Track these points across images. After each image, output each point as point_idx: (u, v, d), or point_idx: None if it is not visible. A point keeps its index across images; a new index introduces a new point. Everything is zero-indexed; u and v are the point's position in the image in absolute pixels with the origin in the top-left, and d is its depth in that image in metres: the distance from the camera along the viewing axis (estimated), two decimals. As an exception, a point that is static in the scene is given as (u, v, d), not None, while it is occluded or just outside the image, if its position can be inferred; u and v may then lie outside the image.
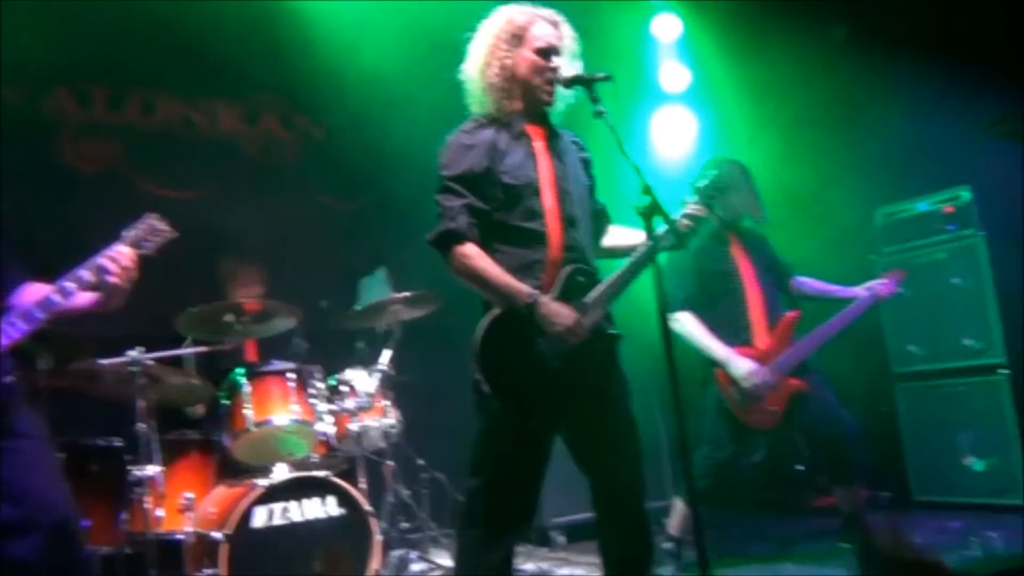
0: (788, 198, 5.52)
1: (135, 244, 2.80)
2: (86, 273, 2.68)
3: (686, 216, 2.87)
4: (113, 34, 4.99)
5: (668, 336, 2.48)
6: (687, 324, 3.99)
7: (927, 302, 5.20)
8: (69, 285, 2.67)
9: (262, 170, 5.90)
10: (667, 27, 6.43)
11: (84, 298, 2.78)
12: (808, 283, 4.32)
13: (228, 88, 5.77)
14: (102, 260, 2.70)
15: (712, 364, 3.97)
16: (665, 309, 2.53)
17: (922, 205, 5.41)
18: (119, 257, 2.71)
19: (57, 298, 2.66)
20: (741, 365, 3.90)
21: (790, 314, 4.06)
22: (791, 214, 5.50)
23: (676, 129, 6.58)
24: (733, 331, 4.02)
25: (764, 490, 5.68)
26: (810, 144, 5.84)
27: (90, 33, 4.91)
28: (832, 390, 4.09)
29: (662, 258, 2.86)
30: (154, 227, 2.88)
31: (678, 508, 4.04)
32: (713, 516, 4.92)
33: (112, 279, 2.68)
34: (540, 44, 2.86)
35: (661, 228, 2.71)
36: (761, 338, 4.02)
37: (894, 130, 5.52)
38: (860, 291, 4.20)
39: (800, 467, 5.50)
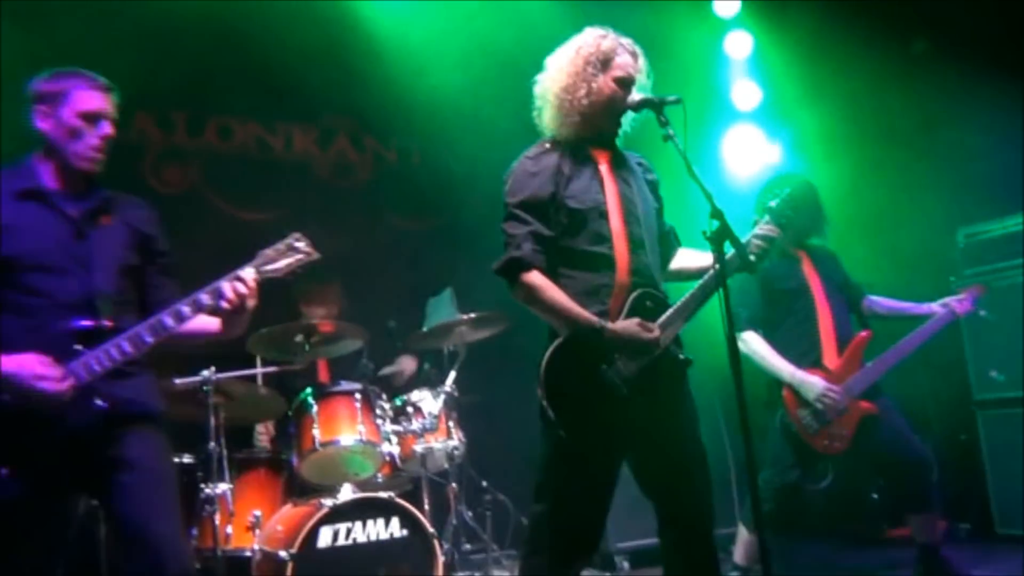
0: (865, 217, 5.41)
1: (266, 264, 2.67)
2: (204, 296, 2.59)
3: (757, 237, 2.83)
4: (193, 62, 5.17)
5: (736, 359, 2.44)
6: (753, 344, 3.91)
7: (1010, 326, 4.98)
8: (185, 308, 2.58)
9: (334, 192, 6.03)
10: (739, 45, 6.37)
11: (206, 323, 2.75)
12: (881, 302, 4.19)
13: (302, 112, 5.91)
14: (221, 283, 2.60)
15: (779, 385, 3.87)
16: (734, 332, 2.48)
17: (1005, 226, 5.20)
18: (237, 282, 2.60)
19: (170, 321, 2.57)
20: (813, 384, 3.80)
21: (861, 335, 3.94)
22: (868, 233, 5.39)
23: (748, 147, 6.50)
24: (801, 351, 3.91)
25: (836, 518, 5.55)
26: (888, 162, 5.72)
27: (171, 61, 5.11)
28: (903, 416, 3.95)
29: (736, 277, 2.83)
30: (292, 247, 2.73)
31: (742, 535, 3.96)
32: (782, 544, 4.83)
33: (225, 304, 2.58)
34: (621, 73, 2.85)
35: (730, 252, 2.66)
36: (830, 358, 3.91)
37: (976, 148, 5.34)
38: (936, 308, 4.06)
39: (875, 495, 5.34)
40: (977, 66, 5.15)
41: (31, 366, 2.42)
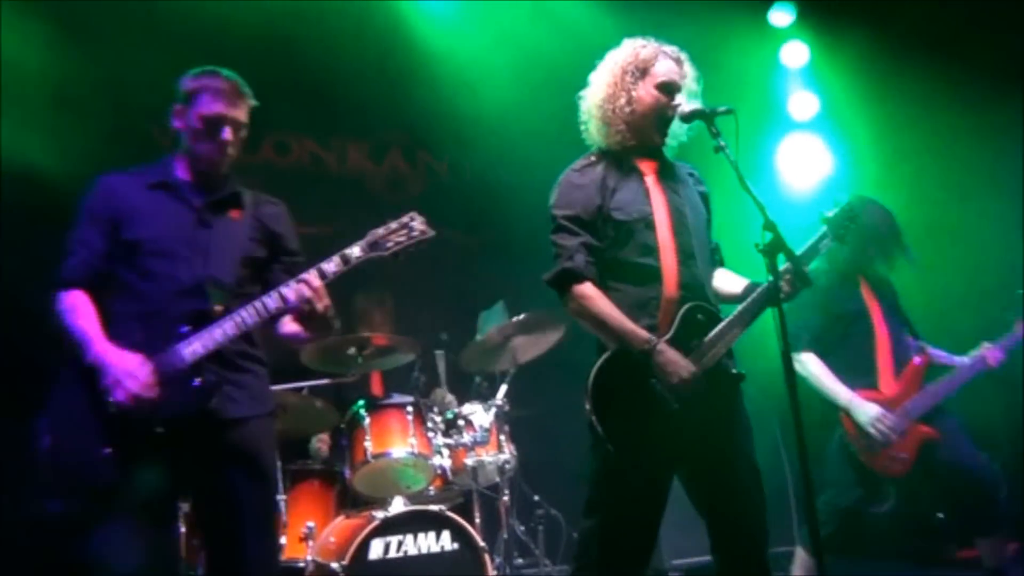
0: (927, 227, 5.27)
1: (375, 244, 2.66)
2: (288, 291, 2.58)
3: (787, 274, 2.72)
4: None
5: (792, 377, 2.39)
6: (811, 366, 3.85)
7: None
8: (269, 301, 2.59)
9: (387, 206, 6.05)
10: (795, 55, 6.29)
11: (289, 327, 2.79)
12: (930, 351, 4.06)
13: (355, 127, 5.98)
14: (286, 286, 2.59)
15: (835, 408, 3.81)
16: (789, 349, 2.42)
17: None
18: (301, 285, 2.56)
19: (272, 303, 2.58)
20: (866, 410, 3.73)
21: (920, 358, 3.86)
22: (931, 243, 5.24)
23: (805, 158, 6.41)
24: (857, 375, 3.85)
25: (903, 539, 5.38)
26: (949, 170, 5.57)
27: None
28: (968, 436, 3.85)
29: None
30: (406, 225, 2.71)
31: (800, 556, 3.86)
32: (844, 566, 4.70)
33: (292, 298, 2.56)
34: (663, 79, 2.83)
35: (784, 266, 2.61)
36: (887, 383, 3.84)
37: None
38: (966, 361, 3.94)
39: (941, 515, 5.15)
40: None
41: (129, 363, 2.46)
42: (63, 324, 2.58)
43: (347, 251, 2.65)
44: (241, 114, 2.72)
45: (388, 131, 6.15)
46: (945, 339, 4.10)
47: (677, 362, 2.62)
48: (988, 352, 3.92)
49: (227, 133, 2.68)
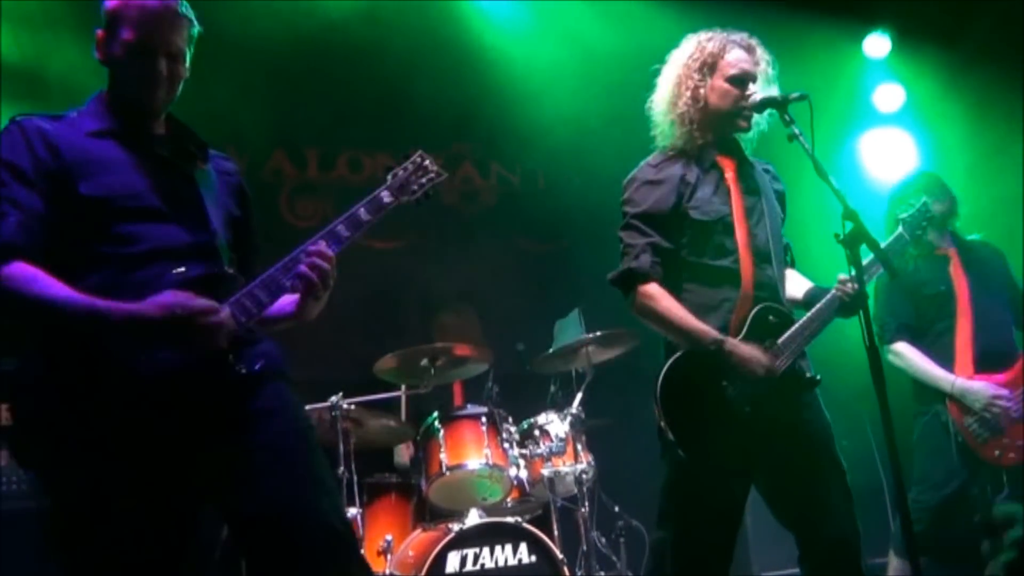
0: (1011, 222, 5.04)
1: (402, 190, 2.33)
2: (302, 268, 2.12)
3: (847, 287, 2.64)
4: (323, 99, 5.37)
5: (880, 371, 2.27)
6: (907, 355, 3.70)
7: None
8: (341, 231, 2.24)
9: (461, 217, 6.09)
10: (879, 46, 6.10)
11: (282, 304, 2.23)
12: None
13: (427, 140, 5.98)
14: (301, 264, 2.13)
15: (940, 396, 3.63)
16: (875, 342, 2.31)
17: None
18: (317, 259, 2.13)
19: (316, 257, 2.14)
20: (980, 391, 3.54)
21: None
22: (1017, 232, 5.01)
23: (890, 150, 6.21)
24: (947, 359, 3.68)
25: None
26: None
27: (303, 100, 5.33)
28: None
29: (870, 286, 2.66)
30: (421, 166, 2.40)
31: (892, 563, 3.68)
32: (941, 572, 4.47)
33: (303, 269, 2.11)
34: (734, 71, 2.75)
35: (868, 259, 2.53)
36: (963, 369, 3.63)
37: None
38: None
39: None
40: None
41: (185, 298, 1.96)
42: (19, 304, 1.95)
43: (377, 197, 2.30)
44: (179, 40, 2.18)
45: (460, 143, 6.18)
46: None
47: (753, 355, 2.54)
48: None
49: (161, 65, 2.15)
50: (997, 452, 3.54)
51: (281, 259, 2.14)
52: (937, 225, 3.66)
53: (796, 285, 2.85)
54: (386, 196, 2.32)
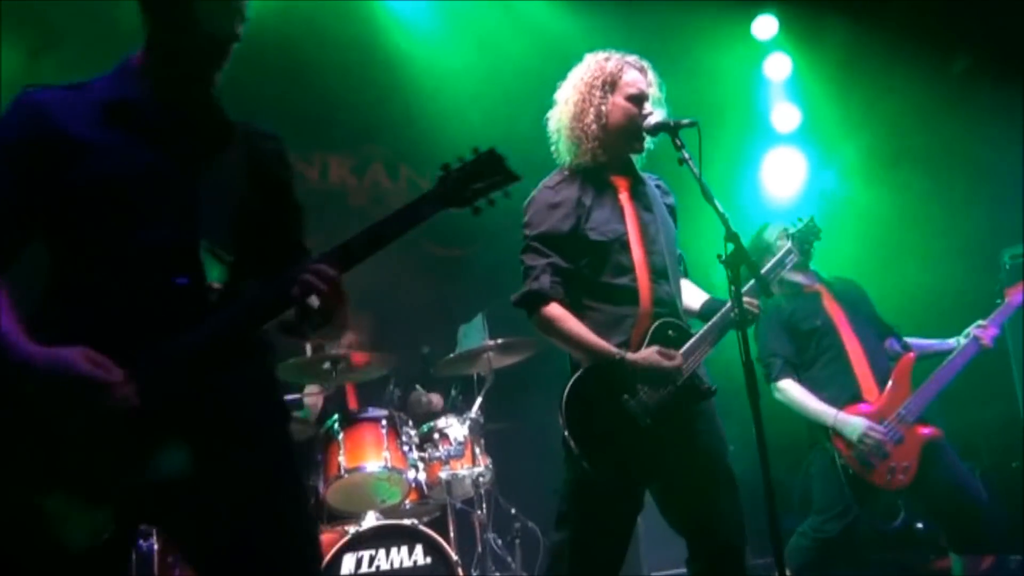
0: (908, 239, 5.29)
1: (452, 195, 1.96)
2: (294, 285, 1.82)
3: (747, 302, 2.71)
4: (226, 99, 5.25)
5: (754, 386, 2.38)
6: (791, 392, 3.78)
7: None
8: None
9: (369, 220, 6.02)
10: (778, 67, 6.32)
11: None
12: (910, 342, 3.96)
13: (337, 142, 5.99)
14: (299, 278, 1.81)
15: (824, 430, 3.71)
16: (750, 356, 2.41)
17: (1052, 246, 5.03)
18: (312, 277, 1.81)
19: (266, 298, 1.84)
20: (853, 425, 3.62)
21: (906, 356, 3.78)
22: (911, 255, 5.26)
23: (788, 170, 6.44)
24: (838, 389, 3.77)
25: (883, 547, 5.37)
26: (930, 183, 5.60)
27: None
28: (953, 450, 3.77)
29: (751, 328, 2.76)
30: (486, 163, 1.98)
31: None
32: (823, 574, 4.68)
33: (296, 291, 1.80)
34: (632, 90, 2.83)
35: (749, 284, 2.64)
36: (870, 391, 3.75)
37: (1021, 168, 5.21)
38: (959, 342, 3.86)
39: (920, 525, 5.15)
40: (1020, 84, 5.03)
41: (81, 360, 1.68)
42: None
43: (417, 204, 1.96)
44: None
45: (371, 146, 6.16)
46: (933, 332, 4.05)
47: (653, 360, 2.62)
48: (981, 331, 3.81)
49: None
50: (887, 477, 3.61)
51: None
52: (801, 267, 3.76)
53: (692, 296, 2.95)
54: (425, 208, 1.96)
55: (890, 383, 3.75)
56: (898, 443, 3.62)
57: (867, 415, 3.67)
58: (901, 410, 3.67)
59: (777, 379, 3.81)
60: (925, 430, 3.68)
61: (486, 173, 1.95)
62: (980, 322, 3.84)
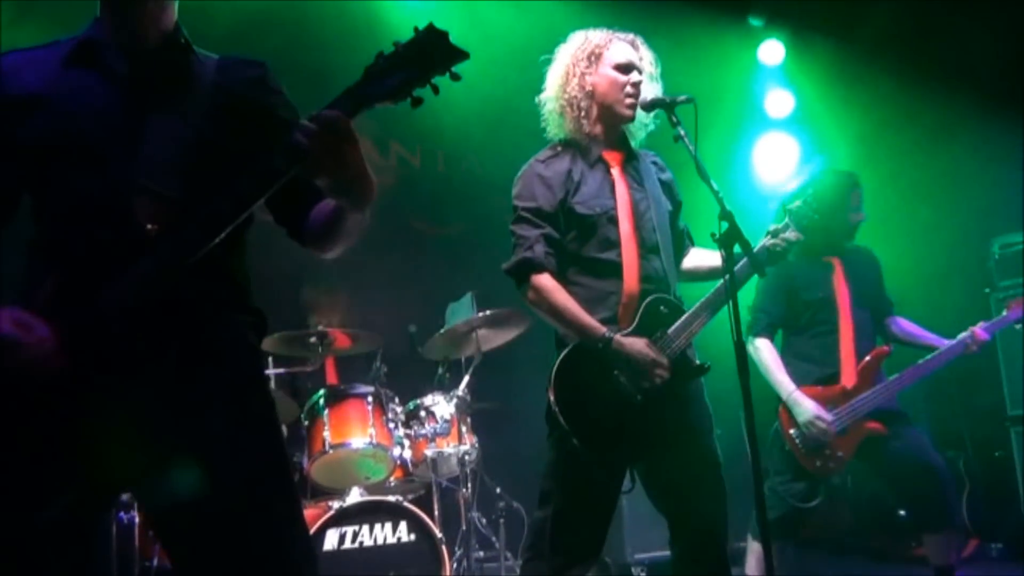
0: (898, 227, 5.29)
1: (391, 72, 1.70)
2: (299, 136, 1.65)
3: (774, 236, 2.77)
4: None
5: (745, 365, 2.37)
6: (763, 352, 3.77)
7: (1046, 340, 4.83)
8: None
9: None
10: (772, 53, 6.32)
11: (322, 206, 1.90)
12: (903, 325, 3.97)
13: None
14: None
15: (777, 399, 3.72)
16: (742, 338, 2.40)
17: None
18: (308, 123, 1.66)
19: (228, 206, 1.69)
20: (804, 409, 3.61)
21: (878, 349, 3.77)
22: (902, 244, 5.26)
23: (779, 155, 6.47)
24: (819, 362, 3.77)
25: (865, 534, 5.41)
26: (922, 172, 5.60)
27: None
28: (919, 431, 3.75)
29: (753, 280, 2.75)
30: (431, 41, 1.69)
31: (753, 548, 3.83)
32: (803, 560, 4.71)
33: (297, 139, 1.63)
34: (619, 60, 2.82)
35: (741, 261, 2.61)
36: (848, 375, 3.73)
37: (1014, 157, 5.21)
38: (950, 342, 3.79)
39: (903, 512, 5.18)
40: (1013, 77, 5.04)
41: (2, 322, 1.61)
42: None
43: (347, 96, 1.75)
44: None
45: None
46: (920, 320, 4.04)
47: (639, 351, 2.60)
48: (976, 330, 3.75)
49: None
50: (818, 463, 3.62)
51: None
52: (832, 234, 3.76)
53: (709, 257, 2.93)
54: (353, 101, 1.73)
55: (859, 372, 3.72)
56: (840, 434, 3.60)
57: (822, 400, 3.65)
58: (855, 402, 3.65)
59: (756, 335, 3.79)
60: (872, 425, 3.64)
61: (427, 54, 1.67)
62: (982, 323, 3.79)
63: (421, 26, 1.67)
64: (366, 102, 1.72)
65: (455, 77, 1.70)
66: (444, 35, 1.67)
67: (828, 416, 3.60)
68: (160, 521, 1.78)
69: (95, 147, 1.73)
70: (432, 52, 1.66)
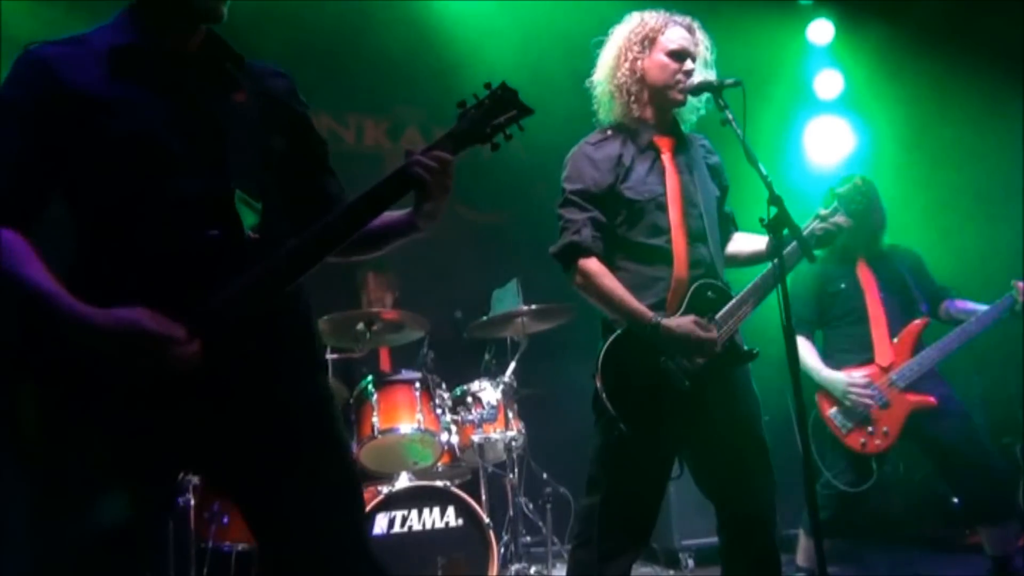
0: (940, 211, 5.21)
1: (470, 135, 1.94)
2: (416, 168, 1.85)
3: (823, 220, 2.75)
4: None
5: (795, 353, 2.36)
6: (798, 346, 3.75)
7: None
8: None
9: (405, 183, 6.03)
10: (821, 32, 6.22)
11: (389, 217, 1.95)
12: (960, 304, 3.90)
13: (373, 103, 5.97)
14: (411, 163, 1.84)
15: (815, 387, 3.72)
16: (791, 322, 2.38)
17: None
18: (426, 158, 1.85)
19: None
20: (836, 381, 3.64)
21: (915, 322, 3.73)
22: (958, 221, 5.18)
23: (830, 137, 6.37)
24: (853, 351, 3.76)
25: (917, 522, 5.33)
26: (965, 156, 5.49)
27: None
28: (967, 412, 3.68)
29: (789, 277, 2.72)
30: (501, 99, 1.96)
31: (802, 540, 3.81)
32: (856, 549, 4.65)
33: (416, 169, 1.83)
34: (673, 46, 2.79)
35: (790, 245, 2.58)
36: (883, 355, 3.70)
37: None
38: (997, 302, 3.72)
39: (956, 498, 5.09)
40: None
41: (146, 318, 1.64)
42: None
43: (443, 142, 1.91)
44: None
45: (406, 108, 6.12)
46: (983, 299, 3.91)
47: (689, 330, 2.58)
48: (1020, 284, 3.66)
49: None
50: (862, 441, 3.60)
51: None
52: (860, 235, 3.73)
53: (755, 241, 2.90)
54: (450, 144, 1.90)
55: (896, 345, 3.70)
56: (884, 407, 3.59)
57: (870, 376, 3.64)
58: (893, 375, 3.63)
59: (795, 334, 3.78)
60: (914, 397, 3.61)
61: (501, 108, 1.95)
62: (1016, 281, 3.69)
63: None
64: (463, 145, 1.92)
65: (520, 128, 1.99)
66: (515, 93, 1.96)
67: (861, 379, 3.56)
68: (251, 496, 1.85)
69: (177, 154, 1.76)
70: (507, 106, 1.95)
